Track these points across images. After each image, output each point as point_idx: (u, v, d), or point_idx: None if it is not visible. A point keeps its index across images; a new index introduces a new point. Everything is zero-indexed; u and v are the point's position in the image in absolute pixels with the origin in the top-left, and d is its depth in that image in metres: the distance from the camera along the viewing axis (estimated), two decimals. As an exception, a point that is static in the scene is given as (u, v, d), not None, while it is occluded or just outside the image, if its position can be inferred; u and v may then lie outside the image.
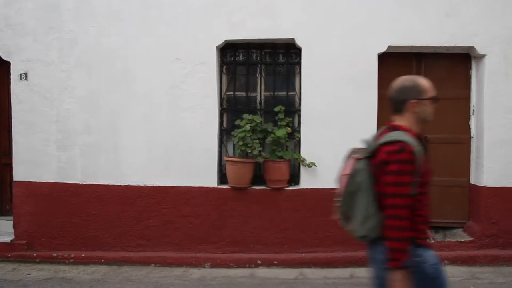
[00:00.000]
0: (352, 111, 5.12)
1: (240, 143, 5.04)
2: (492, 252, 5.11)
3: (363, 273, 4.91)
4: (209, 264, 5.13)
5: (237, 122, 5.19)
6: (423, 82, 2.43)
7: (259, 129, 5.14)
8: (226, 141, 5.48)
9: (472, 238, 5.19)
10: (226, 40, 5.21)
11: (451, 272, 4.85)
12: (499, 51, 5.07)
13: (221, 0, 5.18)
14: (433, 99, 2.41)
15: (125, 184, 5.28)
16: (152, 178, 5.27)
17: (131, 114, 5.28)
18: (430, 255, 2.34)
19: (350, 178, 2.39)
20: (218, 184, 5.28)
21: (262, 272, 4.99)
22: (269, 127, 5.18)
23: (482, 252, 5.09)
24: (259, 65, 5.45)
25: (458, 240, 5.21)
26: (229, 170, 5.17)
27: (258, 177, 5.31)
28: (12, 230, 5.42)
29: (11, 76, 5.37)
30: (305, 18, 5.14)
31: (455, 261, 5.03)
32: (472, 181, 5.39)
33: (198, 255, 5.18)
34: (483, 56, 5.13)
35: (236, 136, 5.09)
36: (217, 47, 5.21)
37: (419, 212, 2.28)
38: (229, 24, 5.17)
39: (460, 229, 5.44)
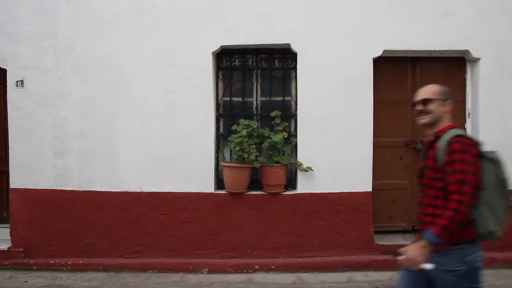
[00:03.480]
0: (348, 115, 5.13)
1: (237, 148, 5.05)
2: (489, 254, 5.07)
3: (361, 277, 4.93)
4: (206, 269, 5.12)
5: (234, 127, 5.19)
6: None
7: (255, 134, 5.15)
8: (222, 146, 5.48)
9: (469, 241, 5.19)
10: (222, 46, 5.22)
11: (449, 275, 4.85)
12: (493, 55, 5.11)
13: (216, 6, 5.20)
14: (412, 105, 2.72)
15: (122, 190, 5.27)
16: (148, 184, 5.26)
17: (127, 120, 5.28)
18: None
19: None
20: (215, 190, 5.28)
21: (260, 277, 4.99)
22: (266, 132, 5.19)
23: (480, 255, 5.10)
24: (255, 70, 5.46)
25: (456, 243, 5.21)
26: (226, 175, 5.17)
27: (255, 182, 5.31)
28: (9, 238, 5.41)
29: (8, 83, 5.36)
30: (301, 23, 5.16)
31: (452, 264, 5.03)
32: (468, 184, 5.39)
33: (195, 261, 5.17)
34: (477, 59, 5.16)
35: (232, 141, 5.09)
36: (213, 52, 5.22)
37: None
38: (225, 30, 5.19)
39: (458, 232, 5.44)
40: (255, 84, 5.47)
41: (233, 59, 5.47)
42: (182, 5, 5.22)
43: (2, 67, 5.37)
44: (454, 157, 2.37)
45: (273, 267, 5.09)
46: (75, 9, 5.31)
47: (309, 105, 5.16)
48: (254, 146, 5.09)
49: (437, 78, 5.42)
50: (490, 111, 5.14)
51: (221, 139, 5.46)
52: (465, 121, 5.43)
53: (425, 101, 2.60)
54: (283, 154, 5.30)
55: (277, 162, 5.13)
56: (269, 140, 5.10)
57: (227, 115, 5.47)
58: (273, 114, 5.23)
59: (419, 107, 2.62)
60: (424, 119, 2.61)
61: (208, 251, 5.22)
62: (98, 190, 5.29)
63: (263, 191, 5.23)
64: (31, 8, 5.32)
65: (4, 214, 5.70)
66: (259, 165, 5.12)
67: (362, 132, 5.15)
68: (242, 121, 5.18)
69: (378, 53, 5.14)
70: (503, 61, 5.11)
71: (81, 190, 5.32)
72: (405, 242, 5.22)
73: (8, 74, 5.36)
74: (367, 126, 5.16)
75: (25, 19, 5.32)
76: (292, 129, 5.39)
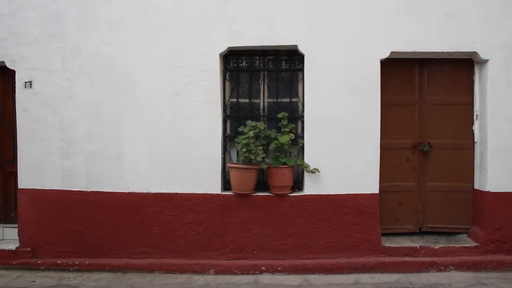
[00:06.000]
0: (355, 117, 5.13)
1: (244, 150, 5.05)
2: (497, 257, 5.08)
3: (368, 279, 4.92)
4: (213, 270, 5.13)
5: (241, 128, 5.20)
6: None
7: (262, 136, 5.16)
8: (229, 148, 5.49)
9: (476, 244, 5.17)
10: (229, 48, 5.23)
11: (457, 278, 4.84)
12: (501, 57, 5.07)
13: (224, 8, 5.21)
14: None
15: (129, 191, 5.29)
16: (155, 185, 5.28)
17: (135, 122, 5.30)
18: None
19: None
20: (221, 191, 5.28)
21: (266, 278, 4.99)
22: (273, 133, 5.19)
23: (487, 258, 5.07)
24: (262, 72, 5.47)
25: (463, 245, 5.19)
26: (233, 176, 5.18)
27: (262, 184, 5.32)
28: (17, 238, 5.44)
29: (16, 85, 5.41)
30: (308, 25, 5.16)
31: (460, 267, 5.02)
32: (476, 186, 5.38)
33: (202, 262, 5.19)
34: (485, 61, 5.13)
35: (239, 142, 5.10)
36: (220, 54, 5.24)
37: None
38: (232, 32, 5.20)
39: (465, 235, 5.42)
40: (262, 85, 5.48)
41: (240, 61, 5.47)
42: (188, 7, 5.24)
43: (11, 68, 5.41)
44: None
45: (279, 268, 5.09)
46: (83, 12, 5.34)
47: (316, 107, 5.16)
48: (261, 147, 5.09)
49: (445, 80, 5.45)
50: (498, 114, 5.11)
51: (228, 140, 5.47)
52: (472, 123, 5.40)
53: None
54: (290, 156, 5.30)
55: (284, 163, 5.13)
56: (276, 141, 5.10)
57: (234, 117, 5.47)
58: (280, 115, 5.24)
59: None
60: None
61: (214, 252, 5.23)
62: (105, 191, 5.32)
63: (269, 193, 5.23)
64: (39, 11, 5.36)
65: (12, 214, 5.75)
66: (266, 166, 5.12)
67: (369, 134, 5.14)
68: (249, 122, 5.19)
69: (385, 55, 5.12)
70: (510, 63, 5.07)
71: (88, 190, 5.34)
72: (412, 244, 5.21)
73: (16, 75, 5.41)
74: (374, 128, 5.14)
75: (34, 22, 5.37)
76: (299, 131, 5.38)
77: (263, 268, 5.10)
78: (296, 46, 5.18)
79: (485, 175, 5.18)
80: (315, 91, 5.17)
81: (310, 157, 5.18)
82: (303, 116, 5.28)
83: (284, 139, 5.06)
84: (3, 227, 5.76)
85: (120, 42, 5.31)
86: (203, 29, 5.23)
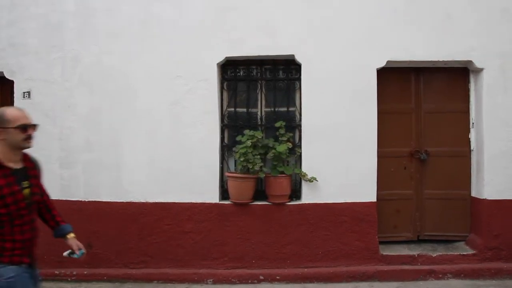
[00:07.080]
0: (352, 125, 5.16)
1: (242, 159, 5.07)
2: (495, 265, 5.09)
3: (366, 287, 4.91)
4: (211, 280, 5.12)
5: (238, 138, 5.22)
6: (10, 111, 2.67)
7: (260, 145, 5.18)
8: (227, 157, 5.51)
9: (474, 251, 5.18)
10: (226, 57, 5.27)
11: (455, 286, 4.85)
12: (497, 65, 5.12)
13: (221, 18, 5.26)
14: (21, 128, 2.63)
15: (128, 201, 5.30)
16: (154, 194, 5.29)
17: (133, 131, 5.32)
18: (7, 270, 2.51)
19: None
20: (219, 200, 5.29)
21: (265, 287, 4.98)
22: (270, 142, 5.21)
23: (485, 265, 5.08)
24: (260, 81, 5.51)
25: (461, 253, 5.20)
26: (231, 185, 5.19)
27: (260, 193, 5.32)
28: (15, 248, 5.42)
29: (15, 95, 5.43)
30: (305, 34, 5.21)
31: (458, 275, 5.02)
32: (473, 194, 5.40)
33: (200, 271, 5.18)
34: (481, 70, 5.18)
35: (237, 152, 5.12)
36: (217, 64, 5.27)
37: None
38: (230, 42, 5.24)
39: (462, 242, 5.44)
40: (259, 94, 5.51)
41: (237, 70, 5.51)
42: (187, 17, 5.28)
43: (10, 79, 5.43)
44: None
45: (278, 277, 5.09)
46: (82, 22, 5.38)
47: (314, 116, 5.19)
48: (259, 156, 5.11)
49: (441, 88, 5.49)
50: (494, 121, 5.15)
51: (225, 149, 5.49)
52: (469, 131, 5.44)
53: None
54: (288, 165, 5.31)
55: (282, 172, 5.14)
56: (273, 150, 5.12)
57: (232, 126, 5.50)
58: (277, 124, 5.26)
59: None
60: None
61: (213, 262, 5.23)
62: (104, 200, 5.32)
63: (268, 202, 5.24)
64: (39, 22, 5.40)
65: (10, 225, 5.73)
66: (264, 175, 5.14)
67: (366, 142, 5.17)
68: (246, 131, 5.21)
69: (382, 64, 5.17)
70: (507, 71, 5.12)
71: (87, 200, 5.35)
72: (410, 252, 5.22)
73: (15, 85, 5.43)
74: (371, 136, 5.17)
75: (33, 32, 5.41)
76: (297, 140, 5.41)
77: (261, 277, 5.10)
78: (293, 55, 5.22)
79: (482, 183, 5.20)
80: (313, 100, 5.20)
81: (307, 166, 5.20)
82: (300, 125, 5.31)
83: (282, 148, 5.08)
84: (1, 237, 5.74)
85: (120, 51, 5.35)
86: (202, 39, 5.27)
